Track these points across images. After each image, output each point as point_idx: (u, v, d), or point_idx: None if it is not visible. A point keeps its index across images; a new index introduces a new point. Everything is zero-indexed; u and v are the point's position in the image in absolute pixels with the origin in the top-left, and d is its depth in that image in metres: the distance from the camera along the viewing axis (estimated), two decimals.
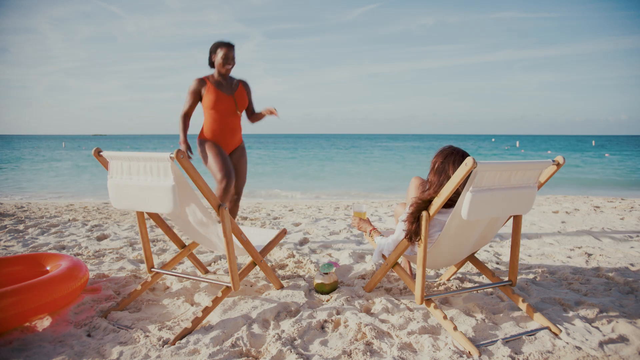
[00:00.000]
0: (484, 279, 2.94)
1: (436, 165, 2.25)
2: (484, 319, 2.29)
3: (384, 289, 2.71)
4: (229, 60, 3.46)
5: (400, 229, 2.34)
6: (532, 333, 2.13)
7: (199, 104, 3.60)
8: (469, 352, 1.95)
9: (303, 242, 4.13)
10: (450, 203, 2.22)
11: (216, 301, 2.27)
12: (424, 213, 2.09)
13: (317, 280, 2.64)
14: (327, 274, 2.65)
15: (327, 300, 2.54)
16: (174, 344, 2.02)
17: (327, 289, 2.63)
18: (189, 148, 3.51)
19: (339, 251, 3.73)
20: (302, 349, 2.01)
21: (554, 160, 2.16)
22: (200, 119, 3.64)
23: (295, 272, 3.06)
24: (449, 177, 2.17)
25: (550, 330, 2.15)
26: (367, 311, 2.42)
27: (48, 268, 2.63)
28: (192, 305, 2.51)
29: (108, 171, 2.25)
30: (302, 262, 3.29)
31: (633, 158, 26.52)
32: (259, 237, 2.86)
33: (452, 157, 2.23)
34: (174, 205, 2.03)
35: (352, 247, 3.85)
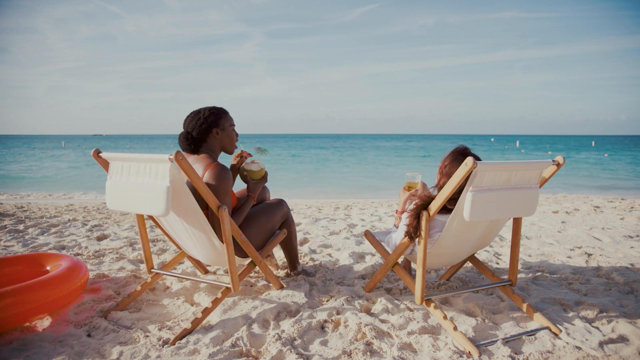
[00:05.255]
0: (484, 279, 2.94)
1: (445, 165, 2.24)
2: (484, 319, 2.29)
3: (384, 289, 2.71)
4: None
5: (403, 225, 2.34)
6: (532, 333, 2.13)
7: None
8: (469, 352, 1.95)
9: (303, 242, 4.13)
10: (450, 208, 2.21)
11: (216, 302, 2.27)
12: (424, 212, 2.09)
13: (247, 168, 2.60)
14: (254, 162, 2.60)
15: (327, 300, 2.54)
16: (174, 344, 2.02)
17: (257, 177, 2.60)
18: None
19: (339, 251, 3.72)
20: (302, 349, 2.01)
21: (554, 160, 2.16)
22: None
23: None
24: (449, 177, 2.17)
25: (550, 330, 2.15)
26: (367, 311, 2.42)
27: (48, 268, 2.63)
28: (192, 305, 2.51)
29: (108, 172, 2.24)
30: (301, 262, 3.29)
31: (632, 158, 26.52)
32: None
33: (458, 158, 2.21)
34: (166, 207, 1.97)
35: (352, 247, 3.84)
